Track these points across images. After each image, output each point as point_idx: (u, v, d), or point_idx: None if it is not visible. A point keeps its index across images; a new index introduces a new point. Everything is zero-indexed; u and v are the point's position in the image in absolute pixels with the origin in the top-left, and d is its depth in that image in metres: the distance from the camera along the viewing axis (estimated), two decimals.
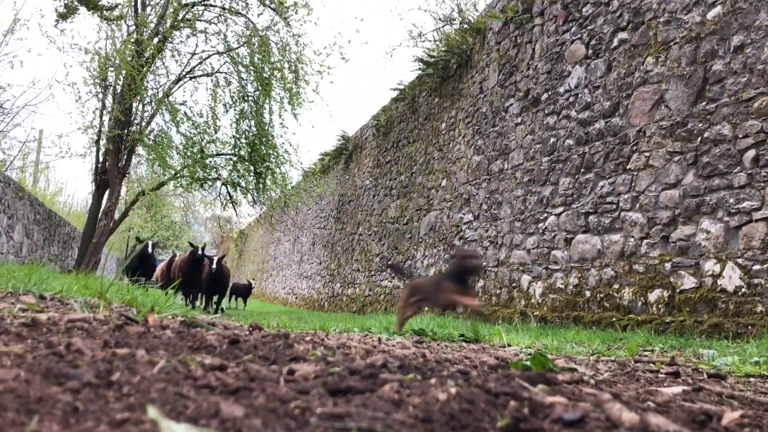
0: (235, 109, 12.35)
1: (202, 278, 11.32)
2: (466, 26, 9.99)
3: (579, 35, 6.96)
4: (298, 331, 2.97)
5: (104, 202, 11.51)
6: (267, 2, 11.69)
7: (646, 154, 5.71)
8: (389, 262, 11.69)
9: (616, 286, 5.91)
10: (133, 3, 11.06)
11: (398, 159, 12.78)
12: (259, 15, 12.74)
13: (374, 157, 14.40)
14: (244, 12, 11.88)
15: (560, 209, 6.93)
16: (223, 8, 11.89)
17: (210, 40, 12.91)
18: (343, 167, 16.92)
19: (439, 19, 10.97)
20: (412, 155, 12.00)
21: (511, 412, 0.83)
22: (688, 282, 5.08)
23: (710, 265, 4.91)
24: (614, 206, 6.06)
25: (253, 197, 12.91)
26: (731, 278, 4.70)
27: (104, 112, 11.30)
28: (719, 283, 4.81)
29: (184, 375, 0.96)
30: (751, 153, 4.66)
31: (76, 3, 10.21)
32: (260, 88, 11.80)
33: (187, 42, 12.96)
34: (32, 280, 2.83)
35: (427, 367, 1.40)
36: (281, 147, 12.49)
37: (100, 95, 11.22)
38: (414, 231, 11.33)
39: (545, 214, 7.21)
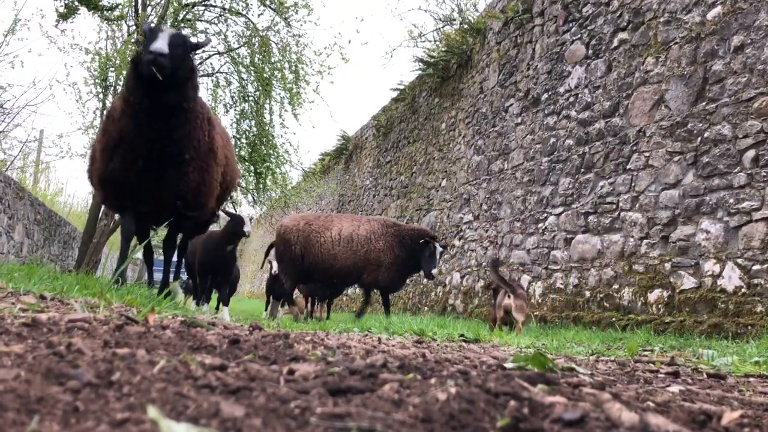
0: (235, 110, 12.34)
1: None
2: (466, 26, 9.99)
3: (579, 35, 6.96)
4: (298, 331, 2.97)
5: None
6: (267, 2, 11.69)
7: (646, 154, 5.71)
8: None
9: (615, 286, 5.91)
10: (133, 3, 11.05)
11: (398, 159, 12.78)
12: (259, 15, 12.74)
13: (374, 157, 14.40)
14: (244, 12, 11.88)
15: (560, 209, 6.93)
16: (224, 8, 11.89)
17: (210, 40, 12.88)
18: (343, 167, 16.92)
19: (439, 19, 10.98)
20: (412, 155, 12.00)
21: (511, 412, 0.84)
22: (688, 282, 5.09)
23: (710, 265, 4.91)
24: (614, 206, 6.06)
25: (253, 197, 12.90)
26: (731, 278, 4.71)
27: (105, 112, 11.29)
28: (719, 283, 4.81)
29: (184, 375, 0.96)
30: (751, 153, 4.66)
31: (76, 3, 10.20)
32: (260, 88, 11.79)
33: None
34: (32, 280, 2.83)
35: (427, 367, 1.40)
36: (281, 147, 12.48)
37: (101, 95, 11.22)
38: None
39: (545, 214, 7.21)
